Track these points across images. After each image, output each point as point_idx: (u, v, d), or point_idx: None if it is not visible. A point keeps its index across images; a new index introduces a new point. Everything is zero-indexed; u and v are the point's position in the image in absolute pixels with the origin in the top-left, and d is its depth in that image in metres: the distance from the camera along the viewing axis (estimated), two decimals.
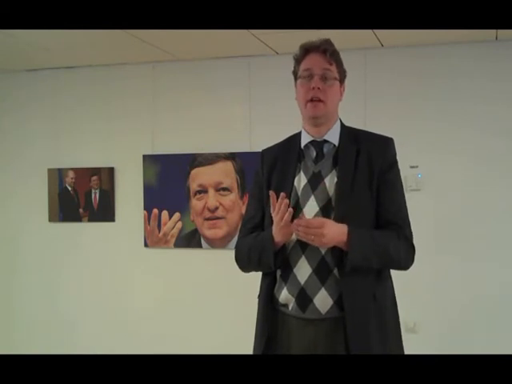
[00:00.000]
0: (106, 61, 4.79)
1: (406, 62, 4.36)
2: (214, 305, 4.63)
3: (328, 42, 2.14)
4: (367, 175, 2.08)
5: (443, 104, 4.28)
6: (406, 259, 2.11)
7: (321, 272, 2.05)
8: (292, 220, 2.02)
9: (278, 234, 2.04)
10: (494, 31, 3.97)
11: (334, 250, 2.04)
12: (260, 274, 2.23)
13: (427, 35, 3.97)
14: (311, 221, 1.98)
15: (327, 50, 2.10)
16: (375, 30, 3.91)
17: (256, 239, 2.16)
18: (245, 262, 2.22)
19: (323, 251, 2.05)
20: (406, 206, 2.15)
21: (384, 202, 2.09)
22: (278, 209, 2.00)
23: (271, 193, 2.04)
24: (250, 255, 2.16)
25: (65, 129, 4.99)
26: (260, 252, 2.11)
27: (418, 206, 4.11)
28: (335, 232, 1.98)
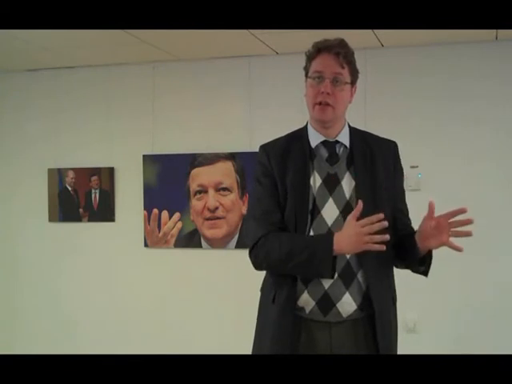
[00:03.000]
0: (105, 61, 4.79)
1: (406, 62, 4.36)
2: (214, 305, 4.62)
3: (342, 43, 2.10)
4: (384, 177, 2.11)
5: (443, 104, 4.28)
6: None
7: (345, 276, 2.04)
8: (311, 218, 2.04)
9: (351, 244, 1.94)
10: (493, 31, 3.97)
11: (359, 254, 2.02)
12: (260, 272, 2.21)
13: (427, 35, 3.97)
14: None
15: (340, 53, 2.06)
16: (375, 30, 3.91)
17: (302, 241, 2.03)
18: (275, 260, 2.06)
19: (348, 255, 2.03)
20: None
21: (399, 205, 2.13)
22: (372, 222, 1.92)
23: (360, 202, 1.95)
24: (291, 256, 2.01)
25: (65, 129, 4.99)
26: (311, 256, 1.97)
27: (418, 206, 4.08)
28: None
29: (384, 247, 1.92)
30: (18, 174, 5.08)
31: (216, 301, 4.62)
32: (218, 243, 4.61)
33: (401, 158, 2.24)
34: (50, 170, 4.98)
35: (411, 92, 4.34)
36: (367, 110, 4.31)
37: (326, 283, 2.03)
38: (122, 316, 4.83)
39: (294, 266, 2.01)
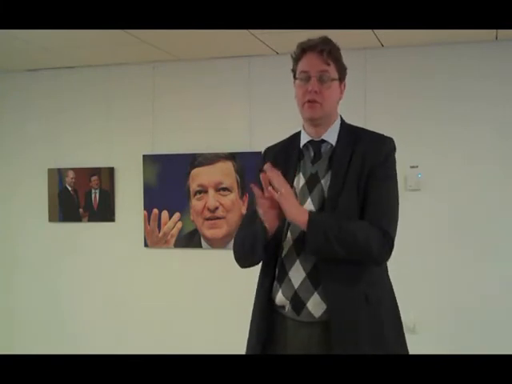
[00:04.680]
0: (105, 61, 4.79)
1: (406, 62, 4.36)
2: (213, 305, 4.63)
3: (325, 40, 2.10)
4: (358, 176, 2.06)
5: (443, 104, 4.28)
6: (378, 251, 2.01)
7: (314, 277, 2.03)
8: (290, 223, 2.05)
9: (263, 217, 2.03)
10: (494, 31, 3.97)
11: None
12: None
13: (427, 35, 3.97)
14: (279, 179, 1.98)
15: (324, 50, 2.07)
16: (375, 30, 3.91)
17: (250, 227, 2.13)
18: (240, 253, 2.19)
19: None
20: (394, 201, 2.09)
21: (371, 195, 2.05)
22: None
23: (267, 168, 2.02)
24: (244, 244, 2.14)
25: (65, 129, 4.99)
26: (253, 239, 2.08)
27: (418, 206, 4.11)
28: (293, 205, 1.99)
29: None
30: (18, 174, 5.08)
31: (216, 301, 4.62)
32: (218, 243, 4.61)
33: (397, 153, 2.15)
34: (50, 170, 4.98)
35: (411, 92, 4.34)
36: (367, 110, 4.31)
37: (296, 283, 2.05)
38: (122, 316, 4.83)
39: (251, 252, 2.11)
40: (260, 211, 2.03)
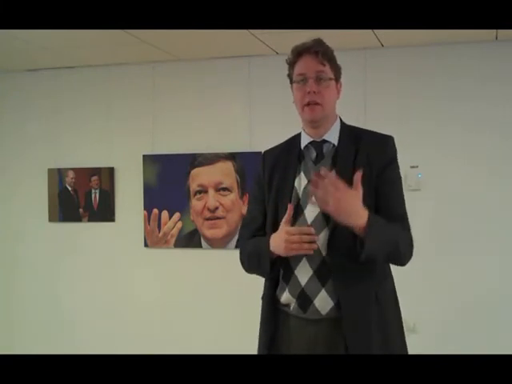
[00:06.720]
0: (105, 61, 4.79)
1: (406, 62, 4.36)
2: (214, 305, 4.63)
3: (319, 42, 2.12)
4: (365, 175, 2.05)
5: (443, 104, 4.28)
6: (409, 253, 2.08)
7: (321, 273, 2.04)
8: (294, 217, 2.04)
9: (280, 248, 2.01)
10: (493, 31, 3.97)
11: (333, 252, 2.03)
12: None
13: (427, 35, 3.97)
14: (331, 179, 1.90)
15: (319, 51, 2.09)
16: (375, 30, 3.91)
17: (255, 244, 2.17)
18: (246, 266, 2.24)
19: (324, 252, 2.04)
20: (404, 202, 2.14)
21: (384, 199, 2.07)
22: (301, 232, 1.98)
23: (290, 206, 2.01)
24: (250, 260, 2.19)
25: (65, 129, 4.99)
26: (258, 258, 2.12)
27: (418, 206, 4.11)
28: (353, 206, 1.90)
29: (311, 251, 1.99)
30: (18, 174, 5.08)
31: (216, 301, 4.62)
32: (218, 243, 4.61)
33: (397, 153, 2.16)
34: (50, 170, 4.98)
35: (411, 92, 4.34)
36: (367, 110, 4.31)
37: (303, 280, 2.06)
38: (122, 316, 4.83)
39: (255, 267, 2.18)
40: (286, 238, 1.99)
